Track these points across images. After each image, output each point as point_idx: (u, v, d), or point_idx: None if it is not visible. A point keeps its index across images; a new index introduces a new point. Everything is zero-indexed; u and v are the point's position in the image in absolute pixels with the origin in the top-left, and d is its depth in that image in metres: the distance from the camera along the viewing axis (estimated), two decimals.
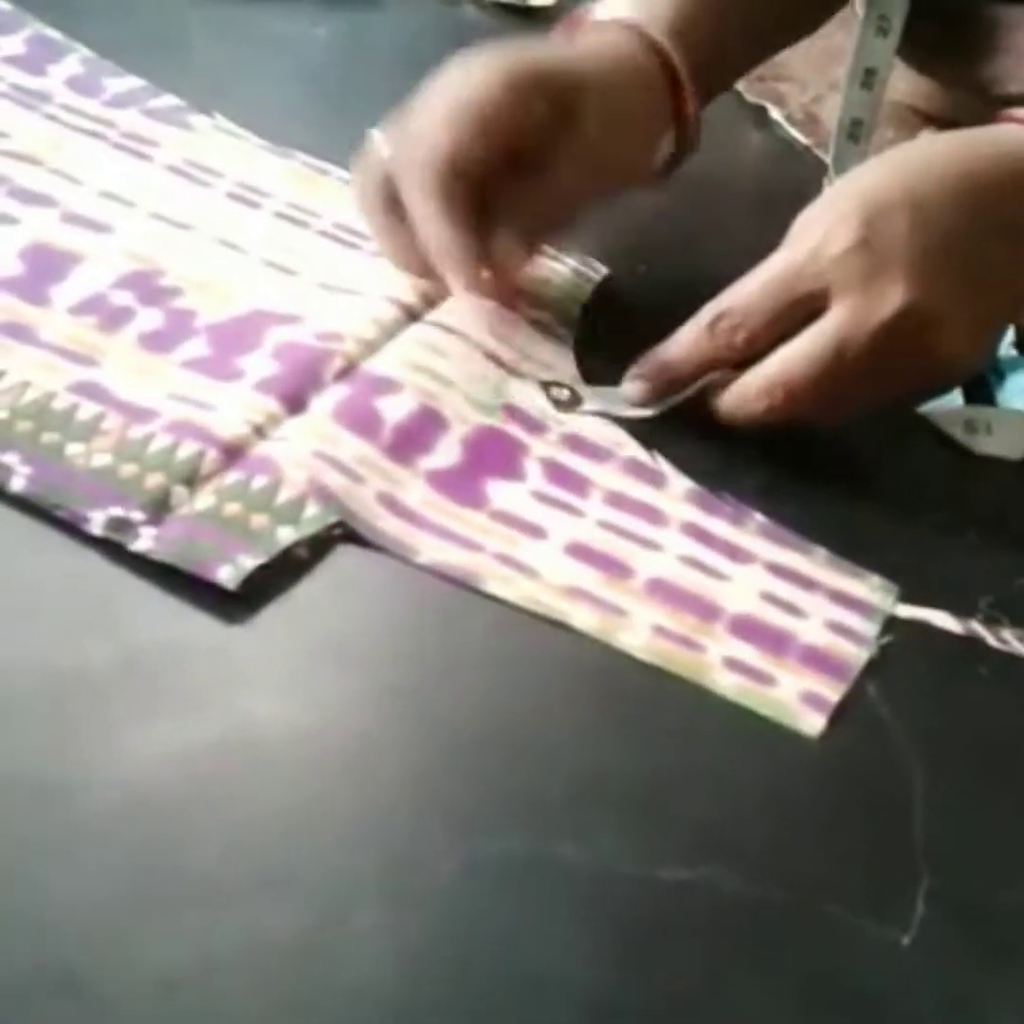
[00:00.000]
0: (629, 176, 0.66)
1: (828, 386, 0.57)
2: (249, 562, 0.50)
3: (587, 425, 0.60)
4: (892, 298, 0.56)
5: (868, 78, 0.78)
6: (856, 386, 0.57)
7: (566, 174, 0.62)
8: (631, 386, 0.60)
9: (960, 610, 0.55)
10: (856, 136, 0.80)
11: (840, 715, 0.50)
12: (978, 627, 0.55)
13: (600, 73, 0.63)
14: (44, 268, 0.60)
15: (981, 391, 0.68)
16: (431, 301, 0.62)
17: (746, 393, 0.58)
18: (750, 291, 0.58)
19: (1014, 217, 0.59)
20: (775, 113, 0.84)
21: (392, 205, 0.61)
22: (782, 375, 0.57)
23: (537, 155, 0.61)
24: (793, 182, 0.79)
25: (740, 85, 0.82)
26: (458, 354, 0.60)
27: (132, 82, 0.72)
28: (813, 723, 0.50)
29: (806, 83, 0.82)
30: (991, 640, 0.54)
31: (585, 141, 0.62)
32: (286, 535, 0.51)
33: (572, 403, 0.60)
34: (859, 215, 0.57)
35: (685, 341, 0.59)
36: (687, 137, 0.67)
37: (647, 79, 0.65)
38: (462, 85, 0.61)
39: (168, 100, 0.72)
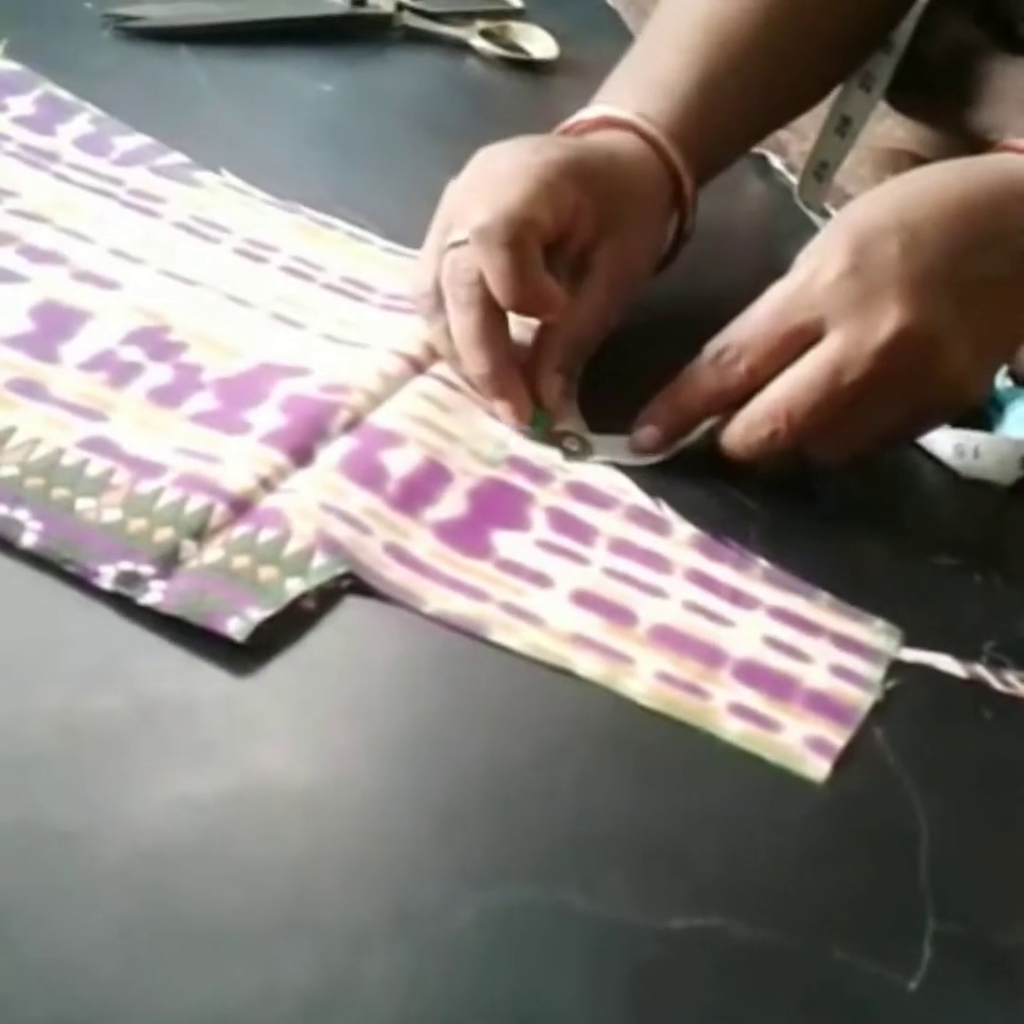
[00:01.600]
0: (645, 278, 0.67)
1: (828, 411, 0.57)
2: (257, 614, 0.50)
3: (591, 473, 0.60)
4: (887, 321, 0.56)
5: (843, 126, 0.80)
6: (859, 413, 0.57)
7: (607, 278, 0.63)
8: (642, 432, 0.61)
9: (964, 653, 0.55)
10: (821, 176, 0.83)
11: (846, 759, 0.51)
12: (982, 671, 0.55)
13: (626, 174, 0.64)
14: (54, 325, 0.61)
15: (979, 423, 0.68)
16: (435, 352, 0.63)
17: (750, 420, 0.58)
18: (748, 324, 0.59)
19: (1011, 236, 0.59)
20: (775, 161, 0.85)
21: (487, 300, 0.61)
22: (783, 400, 0.57)
23: (580, 258, 0.63)
24: (792, 228, 0.80)
25: None
26: (462, 409, 0.61)
27: (140, 140, 0.73)
28: (818, 768, 0.50)
29: (806, 132, 0.83)
30: (995, 683, 0.54)
31: (623, 244, 0.64)
32: (294, 586, 0.52)
33: (582, 453, 0.61)
34: (849, 243, 0.58)
35: (690, 379, 0.60)
36: (684, 231, 0.68)
37: (656, 178, 0.66)
38: (521, 160, 0.61)
39: (175, 157, 0.73)
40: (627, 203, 0.64)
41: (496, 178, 0.61)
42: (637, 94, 0.68)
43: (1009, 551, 0.62)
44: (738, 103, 0.69)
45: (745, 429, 0.58)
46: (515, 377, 0.61)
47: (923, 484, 0.64)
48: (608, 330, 0.64)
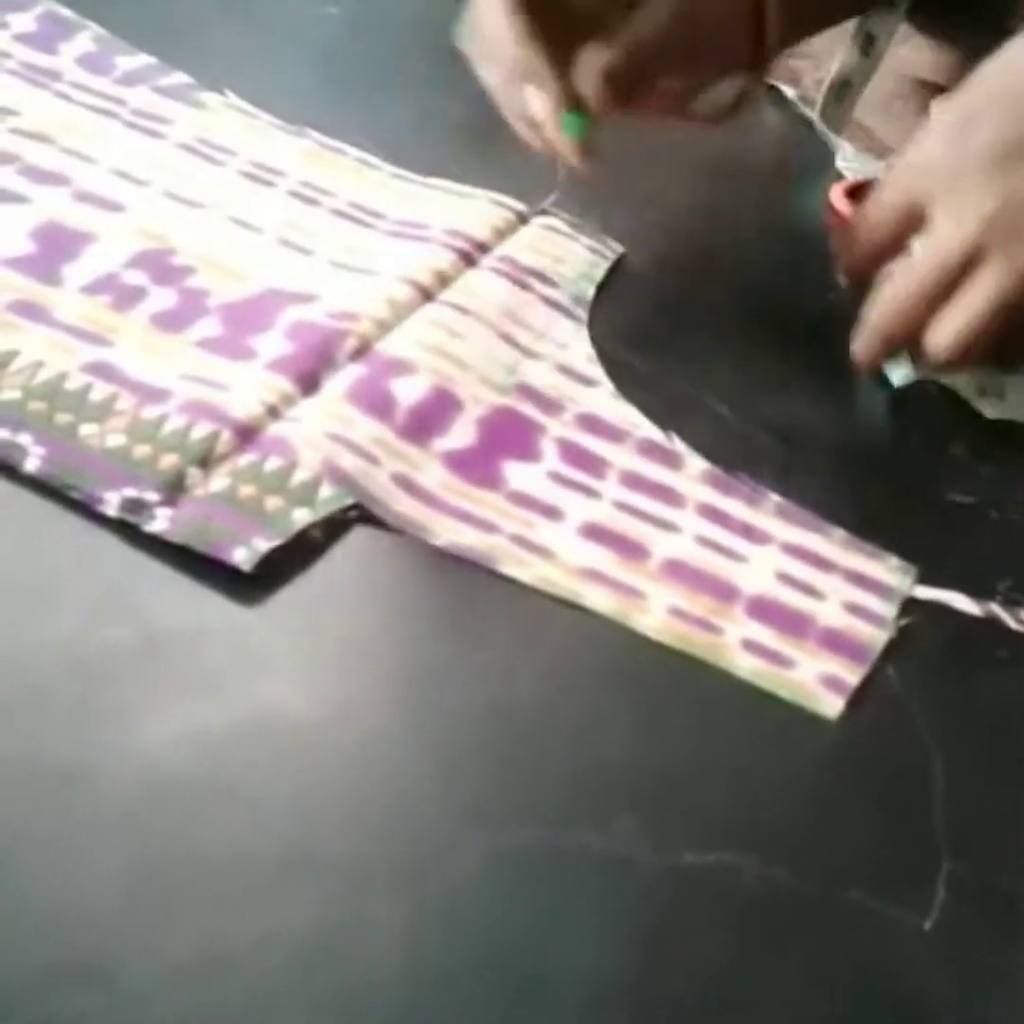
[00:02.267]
0: (716, 53, 0.65)
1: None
2: (264, 544, 0.49)
3: (602, 405, 0.59)
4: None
5: (867, 45, 0.79)
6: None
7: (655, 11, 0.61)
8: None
9: (979, 591, 0.55)
10: (841, 97, 0.80)
11: (858, 698, 0.50)
12: (997, 609, 0.54)
13: None
14: (56, 247, 0.60)
15: None
16: (444, 280, 0.62)
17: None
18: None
19: None
20: (789, 92, 0.84)
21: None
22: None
23: None
24: (806, 159, 0.79)
25: None
26: (472, 334, 0.60)
27: (143, 60, 0.72)
28: (832, 705, 0.50)
29: (820, 59, 0.82)
30: (1011, 622, 0.54)
31: None
32: (301, 517, 0.51)
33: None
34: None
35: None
36: (762, 66, 0.66)
37: None
38: None
39: (179, 77, 0.71)
40: None
41: None
42: None
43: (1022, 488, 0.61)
44: None
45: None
46: (551, 63, 0.60)
47: (939, 420, 0.64)
48: (668, 62, 0.62)
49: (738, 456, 0.58)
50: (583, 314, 0.63)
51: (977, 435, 0.63)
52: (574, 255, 0.66)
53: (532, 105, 0.61)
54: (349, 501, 0.52)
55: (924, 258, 0.58)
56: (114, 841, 0.41)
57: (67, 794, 0.42)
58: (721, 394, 0.60)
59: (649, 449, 0.58)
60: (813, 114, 0.81)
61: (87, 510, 0.49)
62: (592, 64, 0.60)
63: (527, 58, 0.60)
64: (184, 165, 0.66)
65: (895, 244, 0.59)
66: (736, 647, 0.51)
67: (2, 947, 0.38)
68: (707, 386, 0.60)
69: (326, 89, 0.76)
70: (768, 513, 0.56)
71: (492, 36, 0.62)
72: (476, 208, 0.67)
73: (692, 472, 0.57)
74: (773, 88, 0.84)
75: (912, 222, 0.58)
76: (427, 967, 0.40)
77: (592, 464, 0.56)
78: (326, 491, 0.52)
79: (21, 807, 0.42)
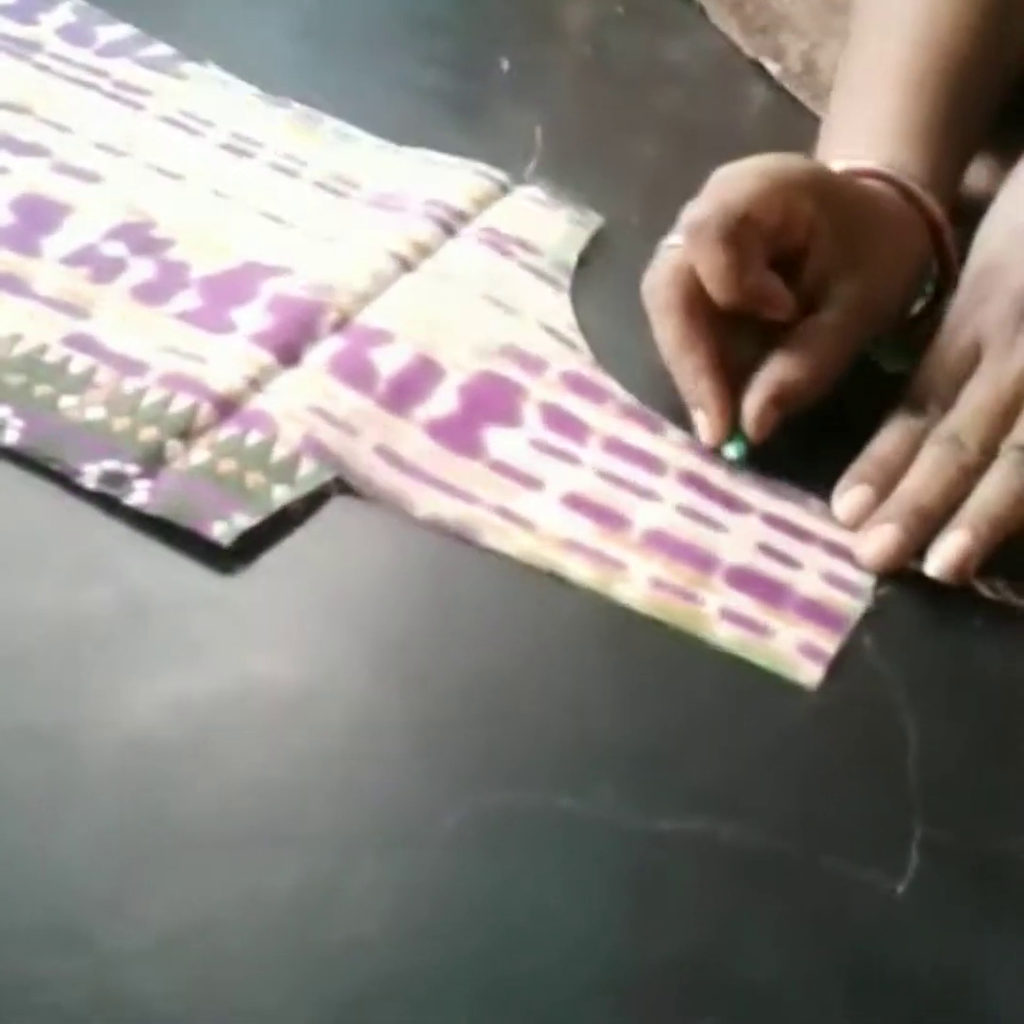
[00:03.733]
0: (888, 325, 0.62)
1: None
2: (244, 521, 0.49)
3: (587, 366, 0.59)
4: None
5: None
6: None
7: (844, 313, 0.58)
8: (856, 491, 0.56)
9: None
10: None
11: (835, 666, 0.50)
12: (972, 578, 0.54)
13: (876, 211, 0.61)
14: (35, 218, 0.59)
15: None
16: (425, 250, 0.62)
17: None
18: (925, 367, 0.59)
19: None
20: (772, 68, 0.83)
21: (695, 306, 0.57)
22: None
23: (816, 287, 0.58)
24: (789, 136, 0.78)
25: (739, 39, 0.81)
26: (453, 300, 0.60)
27: (124, 31, 0.72)
28: (811, 674, 0.50)
29: (806, 31, 0.81)
30: (985, 591, 0.54)
31: (868, 282, 0.59)
32: (282, 495, 0.51)
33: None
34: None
35: (888, 430, 0.58)
36: (950, 280, 0.63)
37: (911, 222, 0.62)
38: (758, 163, 0.58)
39: (160, 49, 0.71)
40: (876, 239, 0.60)
41: (726, 178, 0.57)
42: (876, 142, 0.63)
43: None
44: (972, 132, 0.67)
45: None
46: (717, 390, 0.56)
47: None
48: (836, 376, 0.58)
49: None
50: (566, 281, 0.63)
51: None
52: (555, 224, 0.66)
53: (696, 421, 0.57)
54: (328, 477, 0.52)
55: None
56: (96, 806, 0.42)
57: (49, 761, 0.42)
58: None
59: (631, 412, 0.58)
60: (799, 94, 0.81)
61: (65, 482, 0.50)
62: (762, 402, 0.56)
63: (686, 362, 0.57)
64: (164, 137, 0.66)
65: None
66: (715, 616, 0.51)
67: None
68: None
69: (306, 59, 0.75)
70: (748, 482, 0.56)
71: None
72: (457, 178, 0.66)
73: (674, 438, 0.57)
74: (756, 62, 0.84)
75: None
76: (410, 931, 0.41)
77: (574, 429, 0.57)
78: (306, 468, 0.52)
79: (4, 772, 0.42)
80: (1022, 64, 0.70)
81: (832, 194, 0.59)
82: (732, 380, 0.57)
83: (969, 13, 0.67)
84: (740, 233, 0.56)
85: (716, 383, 0.57)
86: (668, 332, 0.57)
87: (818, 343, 0.57)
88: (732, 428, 0.56)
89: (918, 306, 0.63)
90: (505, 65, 0.77)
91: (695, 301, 0.57)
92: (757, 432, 0.56)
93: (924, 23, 0.67)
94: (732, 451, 0.57)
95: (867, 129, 0.65)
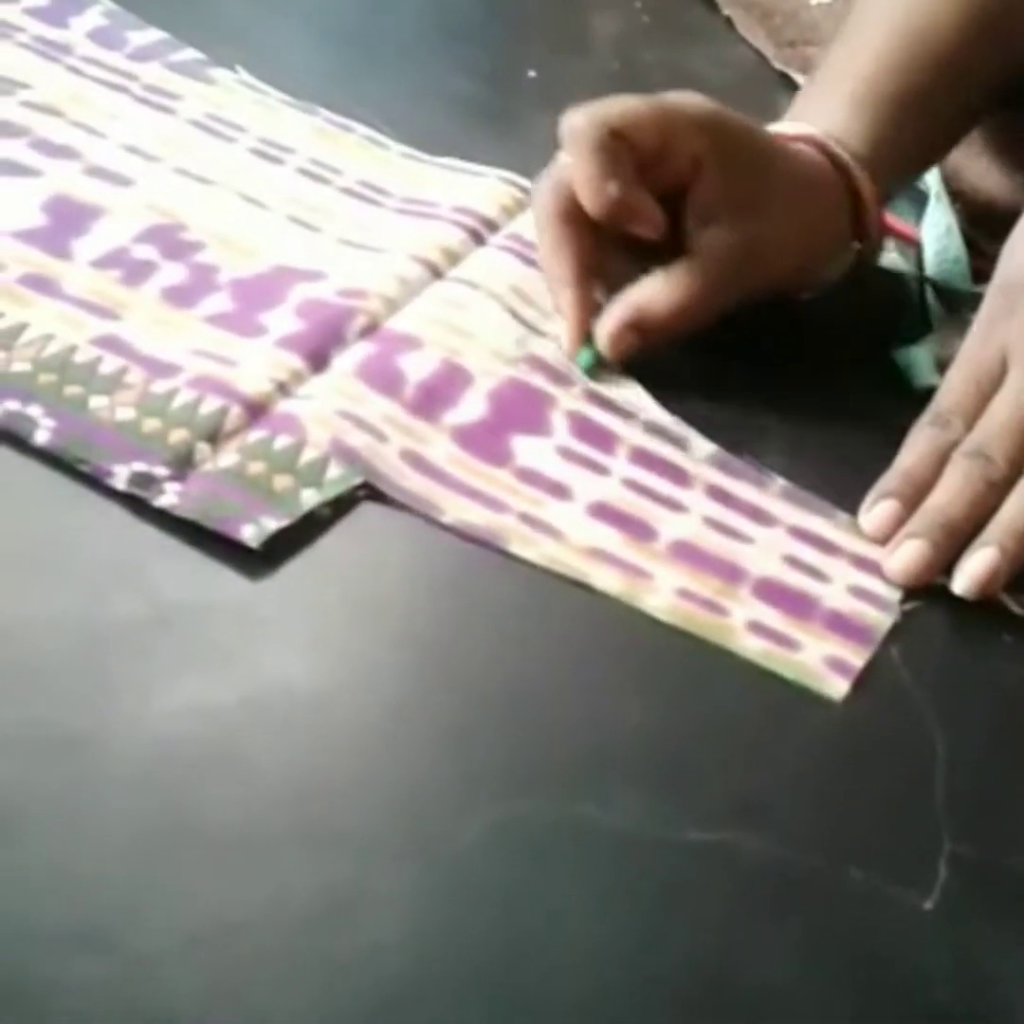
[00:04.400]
0: (786, 287, 0.63)
1: None
2: (272, 523, 0.49)
3: (608, 388, 0.59)
4: None
5: None
6: None
7: (712, 261, 0.59)
8: (883, 506, 0.56)
9: None
10: None
11: (862, 680, 0.50)
12: (1000, 594, 0.54)
13: (789, 171, 0.62)
14: (66, 221, 0.60)
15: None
16: (453, 258, 0.62)
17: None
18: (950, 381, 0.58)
19: None
20: (799, 80, 0.84)
21: (568, 214, 0.59)
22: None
23: (697, 213, 0.60)
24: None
25: (766, 51, 0.81)
26: (481, 308, 0.60)
27: (154, 35, 0.72)
28: (837, 687, 0.50)
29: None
30: (1014, 607, 0.54)
31: (755, 237, 0.60)
32: (310, 498, 0.51)
33: None
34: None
35: (914, 444, 0.57)
36: (870, 247, 0.65)
37: (829, 190, 0.63)
38: (655, 96, 0.59)
39: (190, 54, 0.71)
40: (775, 195, 0.61)
41: (616, 98, 0.59)
42: (824, 111, 0.64)
43: None
44: (940, 121, 0.67)
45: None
46: (579, 300, 0.59)
47: None
48: (699, 316, 0.59)
49: (742, 442, 0.58)
50: None
51: None
52: None
53: (560, 319, 0.60)
54: (357, 481, 0.52)
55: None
56: (123, 810, 0.42)
57: (77, 763, 0.42)
58: (725, 376, 0.60)
59: (657, 429, 0.58)
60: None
61: (96, 483, 0.50)
62: (617, 324, 0.59)
63: (553, 267, 0.60)
64: (194, 141, 0.66)
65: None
66: (742, 629, 0.51)
67: (12, 913, 0.39)
68: (711, 368, 0.60)
69: (336, 66, 0.76)
70: (775, 496, 0.56)
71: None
72: (484, 186, 0.67)
73: (699, 455, 0.57)
74: (785, 76, 0.84)
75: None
76: (432, 936, 0.41)
77: (602, 439, 0.57)
78: (334, 471, 0.52)
79: (32, 776, 0.42)
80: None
81: (731, 140, 0.60)
82: (600, 294, 0.59)
83: (955, 8, 0.67)
84: (610, 144, 0.57)
85: (579, 293, 0.59)
86: (543, 239, 0.60)
87: (685, 279, 0.59)
88: (588, 338, 0.59)
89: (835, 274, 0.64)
90: (532, 74, 0.78)
91: (571, 211, 0.59)
92: (610, 351, 0.59)
93: (908, 12, 0.67)
94: (581, 359, 0.59)
95: (819, 98, 0.66)
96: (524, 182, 0.67)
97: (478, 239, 0.64)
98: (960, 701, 0.51)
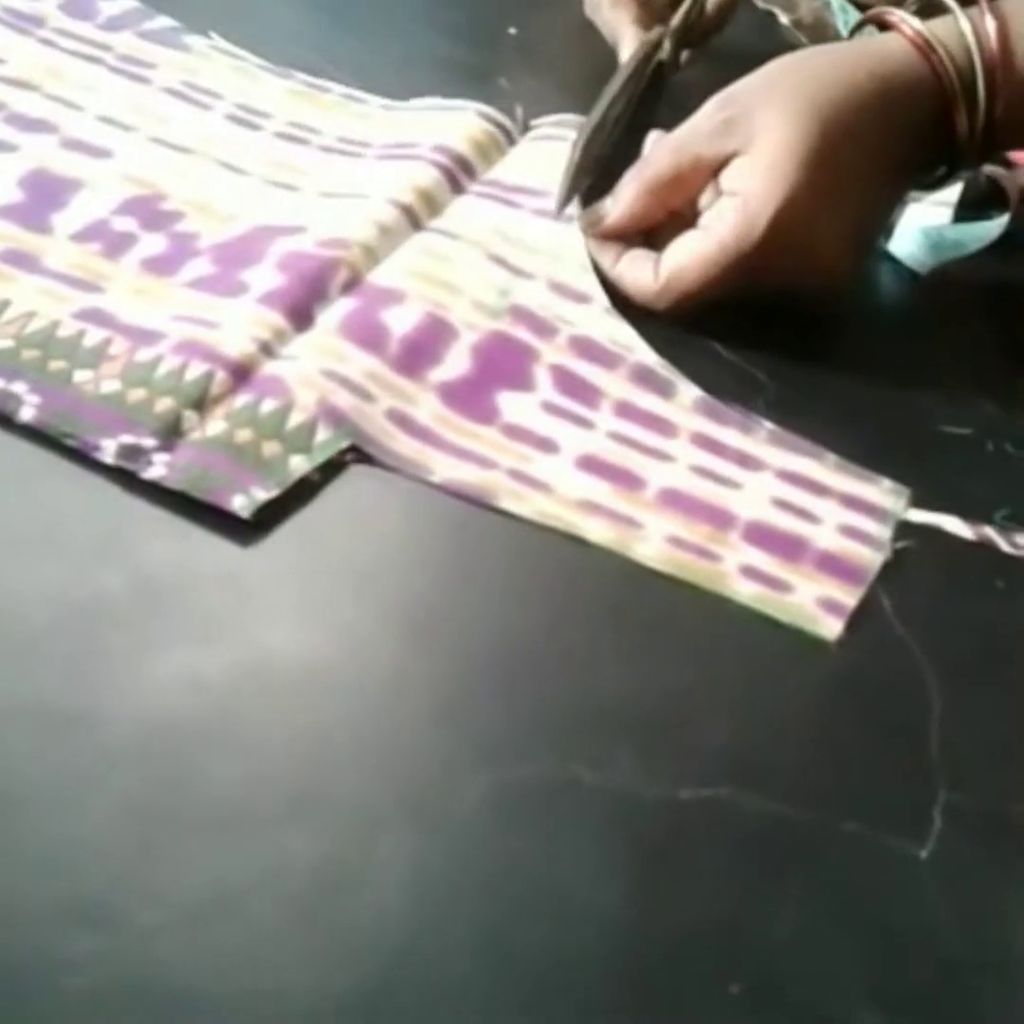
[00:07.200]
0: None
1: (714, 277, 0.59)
2: (262, 493, 0.49)
3: (595, 324, 0.59)
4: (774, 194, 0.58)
5: None
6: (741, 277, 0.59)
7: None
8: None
9: (974, 519, 0.54)
10: None
11: (854, 629, 0.50)
12: (992, 533, 0.54)
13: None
14: (45, 195, 0.60)
15: None
16: (431, 203, 0.62)
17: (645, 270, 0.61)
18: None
19: (863, 131, 0.59)
20: (783, 18, 0.83)
21: None
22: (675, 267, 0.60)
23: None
24: None
25: None
26: (462, 258, 0.60)
27: (126, 3, 0.72)
28: (831, 627, 0.50)
29: None
30: (1005, 547, 0.54)
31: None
32: (298, 465, 0.51)
33: None
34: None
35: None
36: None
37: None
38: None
39: (163, 21, 0.71)
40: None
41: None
42: None
43: (1021, 420, 0.61)
44: None
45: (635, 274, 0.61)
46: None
47: (935, 355, 0.63)
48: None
49: (730, 389, 0.58)
50: (575, 211, 0.63)
51: (976, 371, 0.63)
52: (563, 157, 0.64)
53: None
54: (345, 444, 0.52)
55: None
56: (118, 783, 0.41)
57: (70, 738, 0.42)
58: (714, 324, 0.60)
59: (642, 376, 0.58)
60: (807, 40, 0.80)
61: (81, 457, 0.50)
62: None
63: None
64: (171, 110, 0.66)
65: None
66: (735, 574, 0.51)
67: (9, 889, 0.39)
68: (702, 318, 0.60)
69: (311, 29, 0.75)
70: (761, 440, 0.56)
71: None
72: (461, 121, 0.66)
73: (684, 401, 0.57)
74: (769, 14, 0.83)
75: None
76: (431, 903, 0.41)
77: (585, 393, 0.57)
78: (322, 435, 0.52)
79: (24, 752, 0.42)
80: None
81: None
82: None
83: None
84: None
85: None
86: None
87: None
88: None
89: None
90: (512, 31, 0.77)
91: None
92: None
93: None
94: None
95: None
96: (502, 118, 0.67)
97: (454, 182, 0.64)
98: (953, 647, 0.50)
